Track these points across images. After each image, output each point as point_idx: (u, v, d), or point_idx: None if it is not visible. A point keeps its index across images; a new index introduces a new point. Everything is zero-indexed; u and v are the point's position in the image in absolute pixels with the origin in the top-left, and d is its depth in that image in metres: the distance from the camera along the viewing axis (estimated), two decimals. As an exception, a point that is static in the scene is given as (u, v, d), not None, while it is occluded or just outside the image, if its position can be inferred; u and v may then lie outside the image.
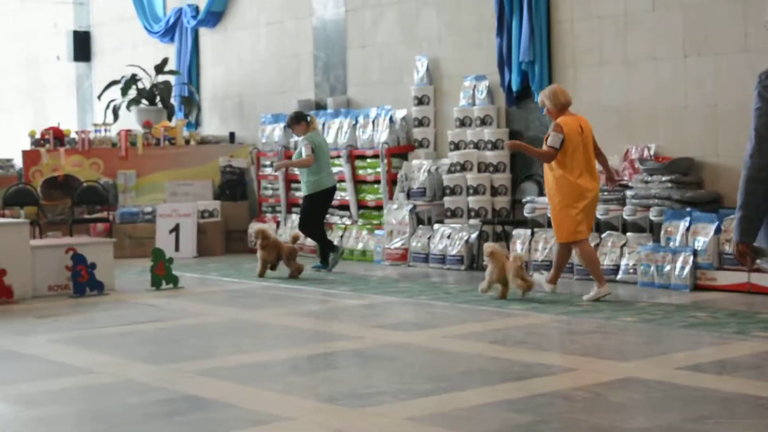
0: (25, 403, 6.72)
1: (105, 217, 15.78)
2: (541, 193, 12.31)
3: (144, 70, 17.82)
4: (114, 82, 17.92)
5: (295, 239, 12.73)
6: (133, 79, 17.66)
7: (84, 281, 11.50)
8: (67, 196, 15.90)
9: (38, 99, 22.01)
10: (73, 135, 16.94)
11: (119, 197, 16.40)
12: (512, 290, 10.40)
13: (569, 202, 10.22)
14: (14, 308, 10.81)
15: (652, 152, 11.70)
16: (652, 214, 11.25)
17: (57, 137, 16.72)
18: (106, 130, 17.04)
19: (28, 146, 16.81)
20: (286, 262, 12.56)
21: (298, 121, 13.13)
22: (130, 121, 17.67)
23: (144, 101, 17.64)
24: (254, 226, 12.92)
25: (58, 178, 16.06)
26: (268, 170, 16.00)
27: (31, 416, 6.42)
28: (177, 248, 15.26)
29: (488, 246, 10.69)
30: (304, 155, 12.93)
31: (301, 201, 13.76)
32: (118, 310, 10.60)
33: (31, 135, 16.88)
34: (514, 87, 12.98)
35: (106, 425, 6.15)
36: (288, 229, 15.29)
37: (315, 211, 13.13)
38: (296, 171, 13.86)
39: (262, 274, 12.63)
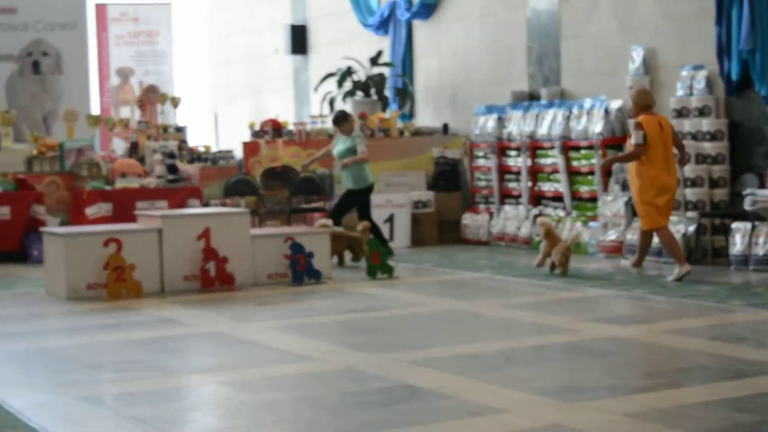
0: (247, 389, 6.93)
1: (321, 206, 16.09)
2: (762, 185, 12.00)
3: (359, 62, 18.10)
4: (330, 75, 18.25)
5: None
6: (349, 72, 17.95)
7: (302, 270, 11.76)
8: (285, 186, 16.27)
9: (258, 92, 22.60)
10: (290, 127, 17.33)
11: (335, 187, 16.69)
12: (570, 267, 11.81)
13: (650, 195, 11.28)
14: (236, 295, 11.15)
15: None
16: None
17: (275, 129, 17.13)
18: (322, 122, 17.37)
19: (248, 138, 17.28)
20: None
21: (346, 118, 13.95)
22: (345, 112, 17.95)
23: (359, 93, 17.91)
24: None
25: (277, 169, 16.45)
26: (482, 161, 16.02)
27: (254, 401, 6.62)
28: (391, 238, 15.44)
29: (543, 223, 12.08)
30: (359, 151, 13.67)
31: (343, 195, 14.29)
32: (336, 299, 10.81)
33: (251, 127, 17.34)
34: (734, 76, 12.64)
35: (325, 412, 6.29)
36: (501, 220, 15.30)
37: (353, 205, 13.85)
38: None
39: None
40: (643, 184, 11.32)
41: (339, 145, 14.00)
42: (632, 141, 11.27)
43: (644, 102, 11.49)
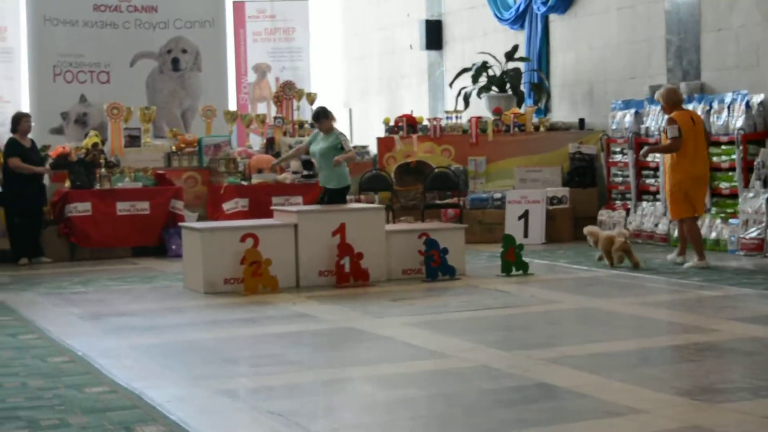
0: (383, 384, 6.95)
1: (456, 202, 16.07)
2: None
3: (494, 57, 18.01)
4: (465, 70, 18.20)
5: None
6: (484, 67, 17.88)
7: (436, 266, 11.75)
8: (419, 181, 16.29)
9: (392, 87, 22.66)
10: (425, 122, 17.35)
11: (469, 183, 16.67)
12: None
13: (682, 186, 12.06)
14: (370, 291, 11.19)
15: None
16: None
17: (410, 124, 17.17)
18: (457, 117, 17.35)
19: (382, 133, 17.34)
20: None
21: (326, 115, 13.13)
22: (480, 108, 17.90)
23: (494, 88, 17.82)
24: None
25: (411, 164, 16.48)
26: (618, 157, 15.81)
27: (389, 397, 6.63)
28: (526, 234, 15.34)
29: (586, 229, 12.91)
30: (346, 149, 12.95)
31: (323, 194, 13.55)
32: (470, 295, 10.77)
33: (386, 122, 17.41)
34: None
35: (460, 409, 6.27)
36: (638, 216, 15.07)
37: (332, 203, 12.97)
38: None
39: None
40: (676, 176, 12.11)
41: (320, 143, 13.12)
42: (668, 135, 12.02)
43: (675, 99, 12.31)
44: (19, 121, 14.40)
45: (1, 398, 6.67)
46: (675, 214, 12.46)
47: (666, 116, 12.39)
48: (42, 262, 14.25)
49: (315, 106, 15.57)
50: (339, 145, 12.92)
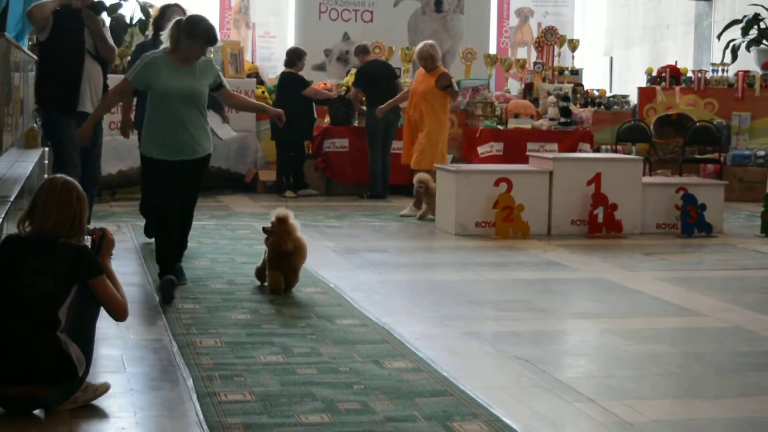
0: (632, 338, 6.82)
1: (716, 158, 15.58)
2: None
3: (767, 9, 17.28)
4: (735, 22, 17.54)
5: None
6: (756, 19, 17.17)
7: (693, 222, 11.44)
8: (679, 135, 15.87)
9: (656, 37, 22.08)
10: (689, 74, 16.85)
11: (732, 139, 16.12)
12: None
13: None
14: (623, 243, 10.99)
15: None
16: None
17: (673, 75, 16.71)
18: (723, 71, 16.77)
19: (644, 83, 16.95)
20: None
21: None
22: (748, 61, 17.23)
23: (765, 42, 17.11)
24: None
25: (672, 117, 16.05)
26: None
27: (639, 351, 6.51)
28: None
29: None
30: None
31: None
32: (726, 254, 10.44)
33: (648, 72, 17.00)
34: None
35: (711, 370, 6.10)
36: None
37: None
38: None
39: None
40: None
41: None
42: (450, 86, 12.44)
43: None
44: (301, 57, 14.79)
45: (257, 324, 6.89)
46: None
47: None
48: (310, 194, 14.55)
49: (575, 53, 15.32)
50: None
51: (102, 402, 5.18)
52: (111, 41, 9.68)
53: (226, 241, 10.26)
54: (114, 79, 9.55)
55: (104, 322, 5.48)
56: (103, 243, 5.28)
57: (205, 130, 7.79)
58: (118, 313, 5.21)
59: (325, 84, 15.86)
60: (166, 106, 7.61)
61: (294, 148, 14.54)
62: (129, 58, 12.17)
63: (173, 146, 7.64)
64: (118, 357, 6.01)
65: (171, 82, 7.58)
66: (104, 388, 5.25)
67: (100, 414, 5.08)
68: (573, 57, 17.68)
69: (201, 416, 4.99)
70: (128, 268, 8.60)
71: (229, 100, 8.26)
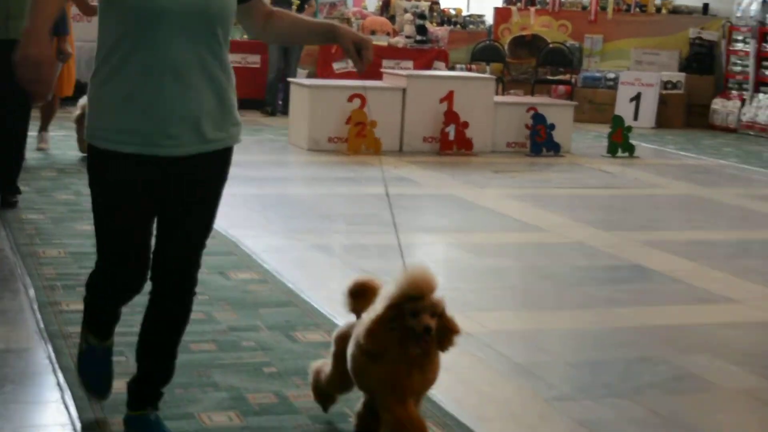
0: (475, 252, 6.95)
1: (567, 79, 15.83)
2: None
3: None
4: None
5: None
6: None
7: (541, 141, 11.64)
8: (532, 55, 16.06)
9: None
10: (545, -5, 17.05)
11: (583, 61, 16.38)
12: None
13: None
14: (473, 160, 11.14)
15: None
16: None
17: (529, -3, 16.89)
18: (577, -7, 17.01)
19: (500, 3, 17.08)
20: None
21: None
22: (601, -15, 17.50)
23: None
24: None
25: (526, 38, 16.23)
26: (740, 45, 15.37)
27: (481, 265, 6.64)
28: (636, 117, 15.08)
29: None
30: None
31: None
32: (572, 173, 10.67)
33: (504, -7, 17.15)
34: None
35: (551, 283, 6.26)
36: (753, 108, 14.71)
37: None
38: None
39: None
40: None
41: None
42: None
43: None
44: None
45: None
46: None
47: None
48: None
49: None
50: None
51: (-62, 310, 5.09)
52: None
53: (74, 152, 10.06)
54: None
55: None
56: None
57: (230, 93, 3.69)
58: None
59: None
60: (152, 40, 3.33)
61: None
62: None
63: (161, 127, 3.44)
64: (-43, 266, 5.89)
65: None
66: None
67: (-64, 322, 4.99)
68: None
69: (42, 325, 4.93)
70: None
71: (272, 23, 3.89)
